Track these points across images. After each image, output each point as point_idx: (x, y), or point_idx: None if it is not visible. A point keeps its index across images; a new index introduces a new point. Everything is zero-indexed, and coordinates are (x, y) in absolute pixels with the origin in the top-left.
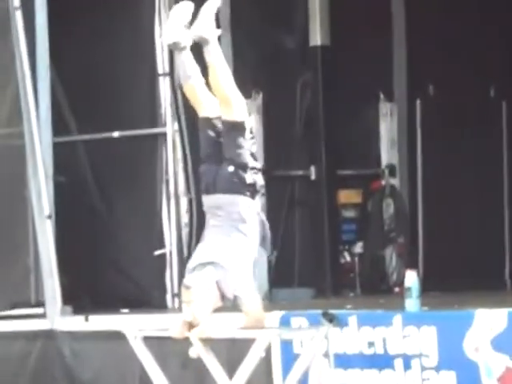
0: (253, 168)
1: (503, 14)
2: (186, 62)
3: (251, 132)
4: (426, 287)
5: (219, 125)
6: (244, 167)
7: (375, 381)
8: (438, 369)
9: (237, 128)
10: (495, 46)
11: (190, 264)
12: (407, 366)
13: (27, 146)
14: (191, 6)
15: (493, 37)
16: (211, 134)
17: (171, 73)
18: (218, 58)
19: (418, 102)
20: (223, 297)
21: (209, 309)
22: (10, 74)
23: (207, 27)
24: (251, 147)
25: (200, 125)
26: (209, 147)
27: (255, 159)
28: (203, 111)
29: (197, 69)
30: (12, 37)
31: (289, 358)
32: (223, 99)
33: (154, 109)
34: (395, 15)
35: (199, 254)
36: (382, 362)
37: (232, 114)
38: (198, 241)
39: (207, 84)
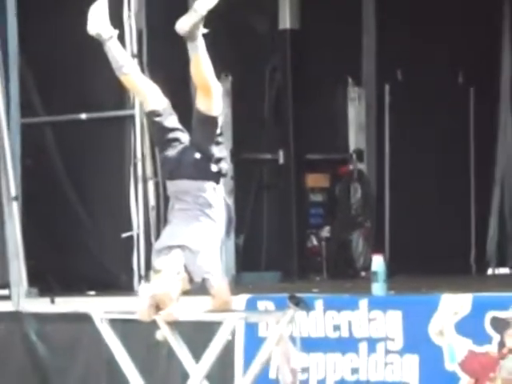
0: (219, 159)
1: (472, 1)
2: (114, 52)
3: (221, 128)
4: (393, 271)
5: (168, 112)
6: (210, 157)
7: (339, 364)
8: (402, 352)
9: (210, 122)
10: (464, 33)
11: (157, 246)
12: (372, 350)
13: None
14: (106, 2)
15: (462, 23)
16: (163, 123)
17: (140, 55)
18: (203, 53)
19: (387, 86)
20: (191, 280)
21: (177, 292)
22: None
23: (195, 23)
24: (219, 140)
25: (148, 117)
26: (164, 135)
27: (221, 149)
28: (149, 104)
29: (128, 57)
30: None
31: (253, 341)
32: (204, 91)
33: (123, 91)
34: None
35: (166, 237)
36: (346, 345)
37: (209, 107)
38: (164, 224)
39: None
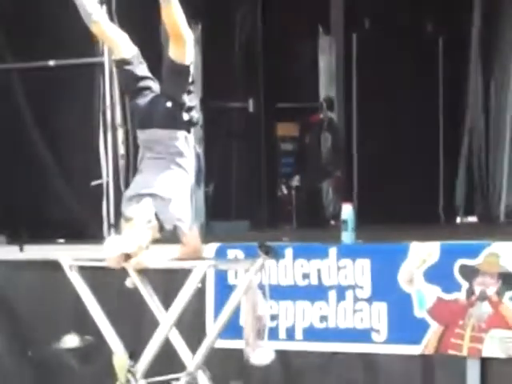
0: (190, 107)
1: None
2: (82, 0)
3: (192, 77)
4: (362, 220)
5: (137, 61)
6: (181, 106)
7: (308, 312)
8: (370, 300)
9: (182, 70)
10: None
11: (127, 194)
12: (341, 298)
13: None
14: None
15: None
16: (133, 71)
17: (109, 1)
18: (174, 2)
19: (354, 36)
20: (161, 228)
21: (147, 239)
22: None
23: None
24: (190, 89)
25: (117, 66)
26: (133, 84)
27: (192, 98)
28: (117, 52)
29: (96, 5)
30: None
31: (222, 289)
32: (177, 39)
33: (92, 38)
34: None
35: (137, 186)
36: (315, 293)
37: (182, 56)
38: (134, 172)
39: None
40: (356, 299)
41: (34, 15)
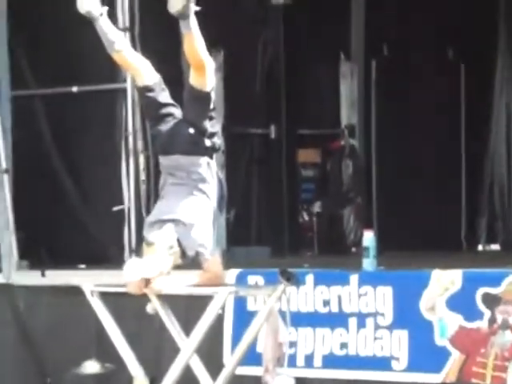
0: (212, 133)
1: None
2: (105, 29)
3: (214, 103)
4: (383, 247)
5: (160, 87)
6: (203, 132)
7: (327, 339)
8: (391, 328)
9: (203, 98)
10: (455, 7)
11: (149, 220)
12: (361, 325)
13: None
14: None
15: None
16: (155, 98)
17: (131, 28)
18: (195, 31)
19: (374, 62)
20: (183, 254)
21: (168, 265)
22: None
23: (187, 3)
24: (212, 115)
25: (139, 93)
26: (155, 111)
27: (214, 124)
28: (140, 79)
29: (119, 34)
30: None
31: (241, 316)
32: (197, 68)
33: (115, 64)
34: None
35: (159, 211)
36: (335, 320)
37: (202, 84)
38: (155, 198)
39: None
40: (377, 326)
41: (57, 41)
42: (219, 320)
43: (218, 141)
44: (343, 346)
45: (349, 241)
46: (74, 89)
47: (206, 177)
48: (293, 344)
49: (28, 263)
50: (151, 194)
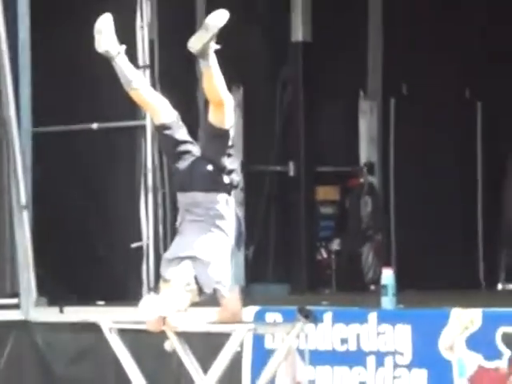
0: (231, 170)
1: (479, 15)
2: (123, 68)
3: (232, 140)
4: (402, 285)
5: (177, 125)
6: (222, 169)
7: (346, 378)
8: (410, 367)
9: (222, 135)
10: (472, 47)
11: (167, 256)
12: (380, 364)
13: (5, 136)
14: (110, 17)
15: (469, 37)
16: (173, 136)
17: (152, 65)
18: (215, 69)
19: (392, 100)
20: (200, 291)
21: (186, 302)
22: None
23: (207, 42)
24: (230, 152)
25: (157, 131)
26: (173, 148)
27: (232, 161)
28: (157, 117)
29: (136, 72)
30: None
31: (260, 353)
32: (217, 106)
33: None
34: (372, 12)
35: (177, 248)
36: (354, 358)
37: (222, 121)
38: (172, 235)
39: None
40: (395, 365)
41: (77, 78)
42: (238, 358)
43: (237, 178)
44: None
45: (367, 278)
46: (94, 126)
47: (224, 214)
48: (311, 383)
49: (46, 300)
50: (167, 230)
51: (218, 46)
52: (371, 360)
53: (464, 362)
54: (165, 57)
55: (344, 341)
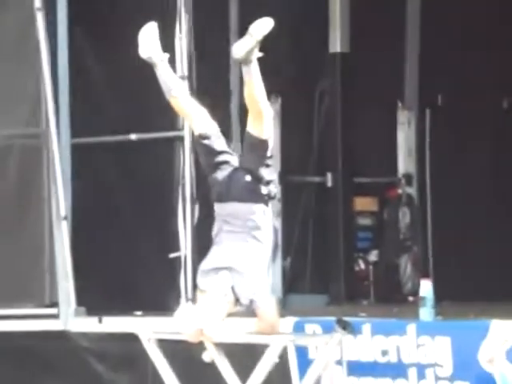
0: (268, 181)
1: None
2: (164, 75)
3: (271, 151)
4: (440, 296)
5: (216, 135)
6: (260, 179)
7: None
8: (452, 379)
9: (260, 145)
10: (509, 56)
11: (203, 267)
12: (421, 376)
13: (45, 147)
14: (156, 25)
15: (506, 48)
16: (211, 146)
17: (190, 76)
18: (257, 77)
19: (428, 111)
20: (237, 302)
21: (223, 313)
22: (30, 75)
23: (251, 49)
24: (269, 163)
25: (196, 140)
26: (213, 158)
27: (270, 172)
28: (197, 128)
29: (177, 81)
30: (33, 38)
31: (304, 364)
32: (256, 115)
33: (173, 112)
34: (409, 22)
35: (214, 258)
36: (395, 370)
37: (260, 131)
38: (205, 245)
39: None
40: (437, 378)
41: (116, 89)
42: (284, 369)
43: (275, 189)
44: None
45: (405, 290)
46: (133, 136)
47: (260, 224)
48: None
49: (85, 310)
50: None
51: (261, 54)
52: (413, 372)
53: (506, 375)
54: (199, 68)
55: (385, 352)
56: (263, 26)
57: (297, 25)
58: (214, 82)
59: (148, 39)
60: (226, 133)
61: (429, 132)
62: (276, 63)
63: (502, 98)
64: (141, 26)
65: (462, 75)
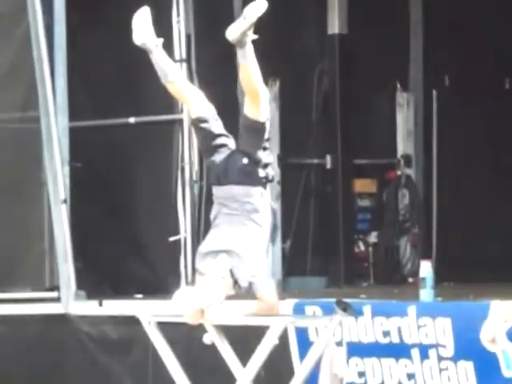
0: (266, 164)
1: None
2: (160, 60)
3: (268, 134)
4: (440, 278)
5: (213, 118)
6: (257, 162)
7: (394, 369)
8: (455, 359)
9: (257, 128)
10: (511, 38)
11: (202, 250)
12: (424, 356)
13: (43, 131)
14: (148, 10)
15: (509, 28)
16: (209, 129)
17: (188, 59)
18: (252, 60)
19: (434, 92)
20: (236, 284)
21: (221, 295)
22: (26, 58)
23: (245, 31)
24: (266, 145)
25: (193, 124)
26: (210, 141)
27: (268, 154)
28: (194, 111)
29: (173, 65)
30: (29, 20)
31: (304, 346)
32: (253, 98)
33: (171, 95)
34: (412, 4)
35: (212, 241)
36: (398, 351)
37: (257, 114)
38: (206, 228)
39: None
40: (440, 358)
41: (114, 72)
42: (285, 350)
43: (272, 171)
44: (410, 376)
45: (405, 271)
46: (132, 120)
47: (258, 207)
48: (361, 374)
49: (86, 293)
50: (201, 223)
51: (255, 36)
52: (415, 352)
53: (508, 354)
54: (202, 51)
55: (386, 333)
56: (257, 8)
57: (295, 6)
58: (218, 65)
59: (141, 25)
60: (231, 116)
61: (435, 113)
62: (274, 46)
63: (504, 78)
64: (138, 7)
65: (466, 56)
